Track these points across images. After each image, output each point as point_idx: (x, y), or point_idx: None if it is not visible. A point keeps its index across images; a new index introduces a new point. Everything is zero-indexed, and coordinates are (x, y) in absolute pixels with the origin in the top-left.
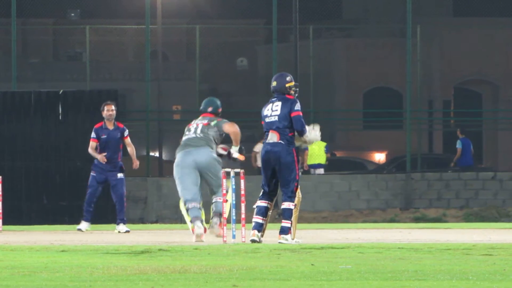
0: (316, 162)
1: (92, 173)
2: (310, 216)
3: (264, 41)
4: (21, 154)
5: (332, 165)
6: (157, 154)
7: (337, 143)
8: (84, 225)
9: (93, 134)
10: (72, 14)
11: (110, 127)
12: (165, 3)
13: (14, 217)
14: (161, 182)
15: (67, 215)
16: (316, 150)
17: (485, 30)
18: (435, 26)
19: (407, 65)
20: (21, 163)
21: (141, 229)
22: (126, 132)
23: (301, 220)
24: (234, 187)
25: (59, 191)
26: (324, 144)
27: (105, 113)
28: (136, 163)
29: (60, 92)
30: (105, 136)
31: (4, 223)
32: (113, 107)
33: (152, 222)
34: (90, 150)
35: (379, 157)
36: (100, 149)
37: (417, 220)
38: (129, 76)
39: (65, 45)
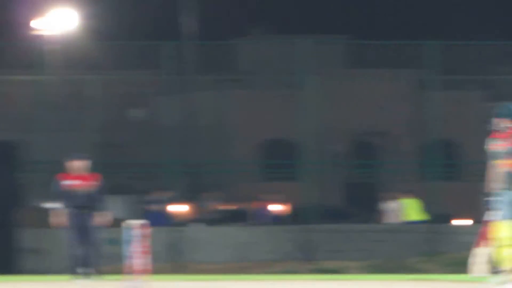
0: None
1: None
2: (209, 267)
3: (159, 92)
4: None
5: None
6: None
7: (235, 195)
8: None
9: None
10: None
11: None
12: (56, 54)
13: None
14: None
15: None
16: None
17: (376, 82)
18: (329, 77)
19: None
20: None
21: None
22: None
23: (203, 271)
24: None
25: None
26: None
27: None
28: None
29: None
30: None
31: None
32: None
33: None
34: None
35: (279, 208)
36: None
37: (317, 271)
38: (21, 127)
39: None
